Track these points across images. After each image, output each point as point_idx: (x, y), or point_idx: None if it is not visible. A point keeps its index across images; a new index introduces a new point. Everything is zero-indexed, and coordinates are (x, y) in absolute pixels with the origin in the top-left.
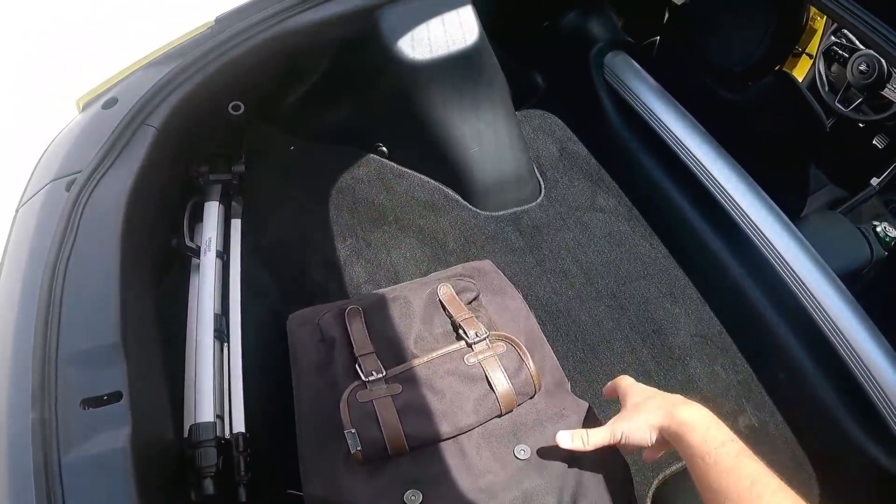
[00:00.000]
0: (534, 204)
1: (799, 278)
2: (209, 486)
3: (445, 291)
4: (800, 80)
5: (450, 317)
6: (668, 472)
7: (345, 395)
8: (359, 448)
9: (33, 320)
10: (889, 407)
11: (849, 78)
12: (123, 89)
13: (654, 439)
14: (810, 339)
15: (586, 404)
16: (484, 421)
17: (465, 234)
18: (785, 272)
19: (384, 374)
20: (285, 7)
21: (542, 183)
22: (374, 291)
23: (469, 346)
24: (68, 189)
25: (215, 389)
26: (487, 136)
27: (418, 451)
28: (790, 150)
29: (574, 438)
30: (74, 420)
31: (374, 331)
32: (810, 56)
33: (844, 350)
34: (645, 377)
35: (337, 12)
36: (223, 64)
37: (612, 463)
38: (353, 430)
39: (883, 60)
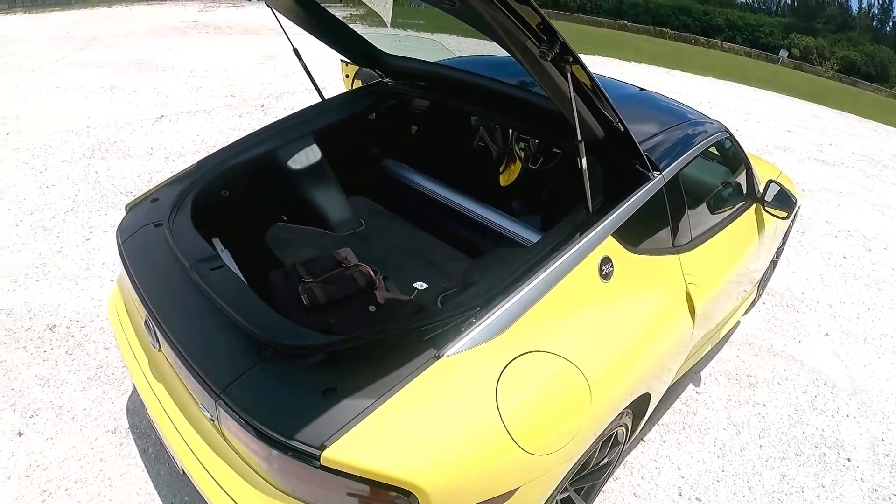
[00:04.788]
0: (362, 228)
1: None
2: None
3: (341, 255)
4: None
5: (340, 263)
6: None
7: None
8: None
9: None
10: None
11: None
12: (160, 194)
13: None
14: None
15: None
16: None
17: (337, 244)
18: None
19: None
20: (231, 154)
21: (363, 221)
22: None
23: (342, 266)
24: (157, 227)
25: None
26: (332, 203)
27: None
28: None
29: None
30: None
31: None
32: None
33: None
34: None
35: (256, 153)
36: (213, 177)
37: None
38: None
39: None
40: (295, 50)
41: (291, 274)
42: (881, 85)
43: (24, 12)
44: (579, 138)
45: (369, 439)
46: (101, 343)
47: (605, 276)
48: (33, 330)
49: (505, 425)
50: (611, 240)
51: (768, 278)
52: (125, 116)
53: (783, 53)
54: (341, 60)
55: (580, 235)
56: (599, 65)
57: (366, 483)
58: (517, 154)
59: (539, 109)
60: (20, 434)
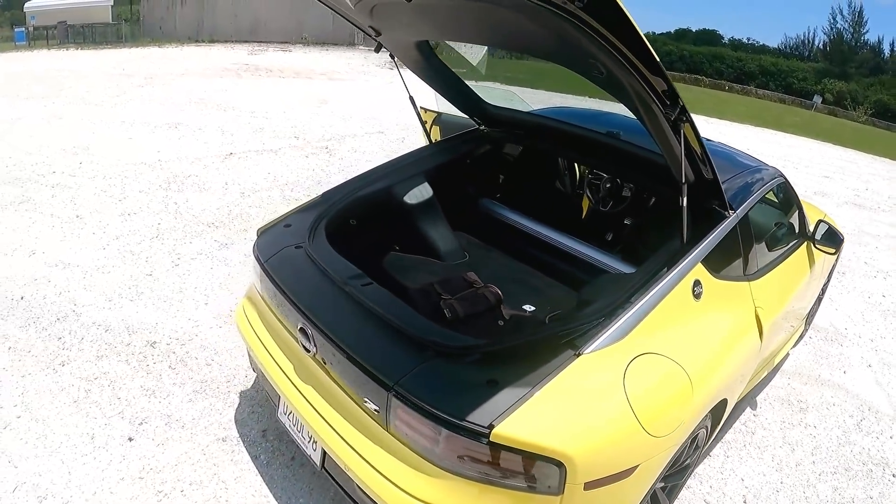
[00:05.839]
0: (466, 258)
1: (581, 257)
2: None
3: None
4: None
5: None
6: None
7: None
8: None
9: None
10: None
11: (602, 192)
12: (291, 221)
13: None
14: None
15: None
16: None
17: (455, 268)
18: (574, 254)
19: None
20: (354, 188)
21: (467, 252)
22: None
23: (473, 287)
24: (297, 248)
25: None
26: (440, 235)
27: None
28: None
29: None
30: None
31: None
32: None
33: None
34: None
35: (377, 188)
36: (342, 207)
37: None
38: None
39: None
40: (411, 98)
41: (430, 291)
42: None
43: (77, 48)
44: (683, 181)
45: (528, 420)
46: (202, 360)
47: (697, 296)
48: (133, 345)
49: (633, 410)
50: (700, 266)
51: (814, 313)
52: (194, 152)
53: (817, 99)
54: (421, 107)
55: (678, 262)
56: None
57: (523, 455)
58: (588, 198)
59: (627, 155)
60: (130, 439)
